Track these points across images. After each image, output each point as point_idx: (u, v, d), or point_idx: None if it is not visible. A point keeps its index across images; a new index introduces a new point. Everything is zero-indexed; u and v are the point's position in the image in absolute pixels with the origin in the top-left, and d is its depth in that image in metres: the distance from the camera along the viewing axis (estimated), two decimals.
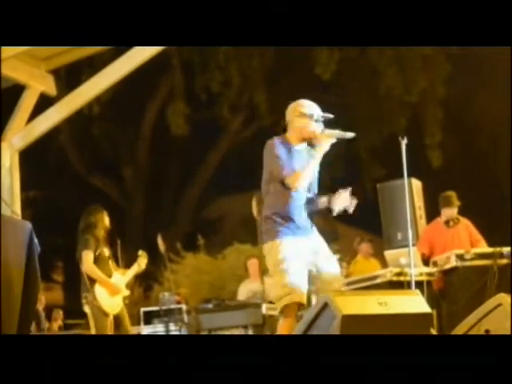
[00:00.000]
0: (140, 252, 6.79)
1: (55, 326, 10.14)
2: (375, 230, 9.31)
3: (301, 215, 4.65)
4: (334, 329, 3.80)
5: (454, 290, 7.00)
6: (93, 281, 6.37)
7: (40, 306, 10.38)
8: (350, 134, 4.68)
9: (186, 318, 8.43)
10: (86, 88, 8.48)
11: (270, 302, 8.27)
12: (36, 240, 4.03)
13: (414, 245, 6.83)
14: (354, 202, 4.64)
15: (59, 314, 10.39)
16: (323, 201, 4.68)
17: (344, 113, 12.85)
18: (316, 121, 4.67)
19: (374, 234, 10.70)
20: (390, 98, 15.43)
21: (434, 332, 4.39)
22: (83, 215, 6.65)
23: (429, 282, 7.04)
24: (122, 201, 18.45)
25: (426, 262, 7.34)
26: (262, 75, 16.13)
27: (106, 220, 6.67)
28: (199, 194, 18.83)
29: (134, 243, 13.97)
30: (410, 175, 5.78)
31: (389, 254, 7.55)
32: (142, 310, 9.29)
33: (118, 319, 6.45)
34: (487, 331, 4.13)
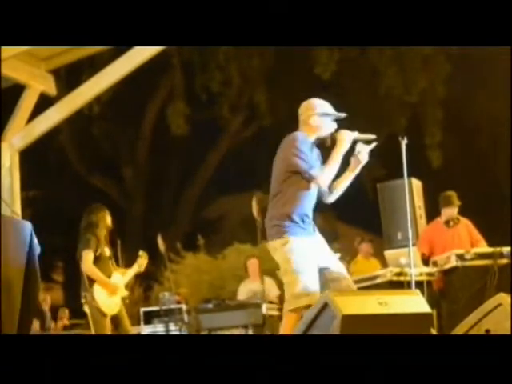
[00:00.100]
0: (140, 253, 6.77)
1: (60, 325, 10.19)
2: (375, 230, 9.31)
3: (311, 214, 4.67)
4: (334, 329, 3.80)
5: (454, 289, 7.00)
6: (92, 281, 6.35)
7: (46, 306, 10.46)
8: (369, 136, 4.72)
9: (186, 317, 8.44)
10: (86, 88, 8.48)
11: (271, 302, 8.29)
12: (36, 240, 4.03)
13: (414, 245, 6.83)
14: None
15: (65, 314, 10.45)
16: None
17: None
18: (332, 120, 4.70)
19: (374, 234, 10.71)
20: (389, 98, 15.43)
21: (434, 332, 4.39)
22: (85, 214, 6.62)
23: (429, 282, 7.04)
24: (122, 201, 18.46)
25: (425, 261, 7.35)
26: (262, 75, 16.12)
27: (108, 219, 6.65)
28: (199, 193, 18.83)
29: (134, 243, 13.98)
30: (409, 175, 5.78)
31: (389, 253, 7.55)
32: (142, 309, 9.30)
33: (116, 319, 6.43)
34: (487, 331, 4.13)
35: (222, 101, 16.47)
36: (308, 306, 4.37)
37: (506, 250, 6.97)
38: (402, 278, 6.89)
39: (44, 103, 8.79)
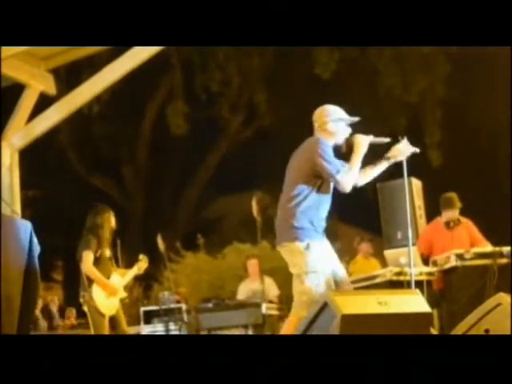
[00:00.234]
0: (141, 256, 6.77)
1: (67, 324, 10.24)
2: (375, 230, 9.30)
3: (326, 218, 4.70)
4: (334, 328, 3.80)
5: (453, 289, 6.99)
6: (91, 281, 6.36)
7: (54, 307, 10.52)
8: (384, 139, 4.74)
9: (185, 317, 8.44)
10: (86, 87, 8.48)
11: (270, 302, 8.29)
12: (36, 239, 4.03)
13: (413, 244, 6.83)
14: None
15: (72, 313, 10.50)
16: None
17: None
18: (346, 125, 4.73)
19: (373, 234, 10.70)
20: (389, 97, 15.44)
21: (434, 332, 4.39)
22: (90, 214, 6.60)
23: (429, 282, 7.03)
24: (122, 200, 18.46)
25: (425, 261, 7.34)
26: (261, 75, 16.13)
27: (113, 221, 6.64)
28: (199, 193, 18.84)
29: (134, 243, 14.00)
30: (409, 175, 5.77)
31: (389, 253, 7.55)
32: (142, 309, 9.29)
33: (114, 320, 6.43)
34: (487, 331, 4.13)
35: (221, 100, 16.47)
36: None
37: (505, 249, 6.96)
38: (401, 278, 6.88)
39: (44, 103, 8.79)
